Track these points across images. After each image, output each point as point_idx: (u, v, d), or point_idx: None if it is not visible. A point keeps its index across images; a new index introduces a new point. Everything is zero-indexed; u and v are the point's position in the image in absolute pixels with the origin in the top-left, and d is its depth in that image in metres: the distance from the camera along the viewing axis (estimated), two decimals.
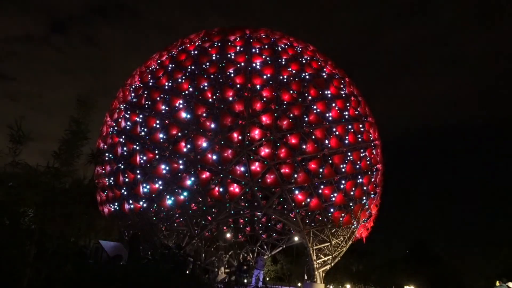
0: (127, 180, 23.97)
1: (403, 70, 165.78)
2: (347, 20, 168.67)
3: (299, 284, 42.41)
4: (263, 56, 24.57)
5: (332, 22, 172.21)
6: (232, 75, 23.73)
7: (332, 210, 24.46)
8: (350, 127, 25.14)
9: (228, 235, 29.35)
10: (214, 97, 23.31)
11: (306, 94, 24.04)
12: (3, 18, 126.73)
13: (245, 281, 22.35)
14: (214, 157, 22.32)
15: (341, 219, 24.48)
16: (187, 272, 18.59)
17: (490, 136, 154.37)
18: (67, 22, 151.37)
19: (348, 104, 25.63)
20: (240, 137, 22.35)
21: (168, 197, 23.12)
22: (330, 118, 24.36)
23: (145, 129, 24.00)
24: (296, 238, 29.37)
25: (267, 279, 44.68)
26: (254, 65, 24.12)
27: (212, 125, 22.66)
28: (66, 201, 8.30)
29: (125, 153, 24.40)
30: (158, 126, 23.58)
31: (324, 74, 26.23)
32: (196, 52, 25.69)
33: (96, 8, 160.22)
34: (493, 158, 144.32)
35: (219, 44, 25.46)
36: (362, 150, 25.66)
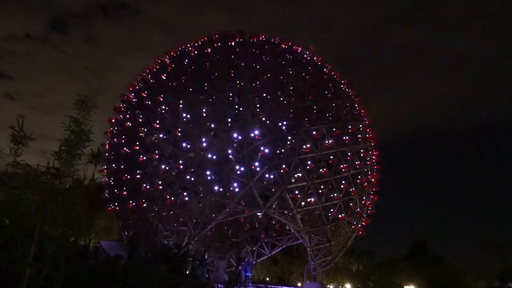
0: (129, 179, 24.04)
1: (404, 70, 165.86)
2: (349, 20, 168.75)
3: (299, 284, 42.48)
4: (263, 59, 24.70)
5: (334, 22, 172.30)
6: (232, 76, 23.84)
7: (332, 210, 24.52)
8: (347, 127, 25.21)
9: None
10: (215, 97, 23.40)
11: (305, 96, 24.13)
12: (3, 17, 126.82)
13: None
14: (214, 157, 22.36)
15: (339, 216, 24.60)
16: (187, 272, 18.62)
17: (491, 136, 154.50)
18: (68, 21, 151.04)
19: (346, 106, 25.76)
20: (240, 137, 22.41)
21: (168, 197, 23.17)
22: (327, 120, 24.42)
23: (146, 130, 24.17)
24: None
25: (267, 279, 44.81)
26: (254, 66, 24.23)
27: (213, 125, 22.71)
28: (66, 201, 8.30)
29: (126, 153, 24.48)
30: (159, 126, 23.70)
31: (322, 76, 26.40)
32: (197, 53, 25.88)
33: (96, 6, 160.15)
34: (494, 158, 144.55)
35: (220, 46, 25.66)
36: (359, 150, 25.75)
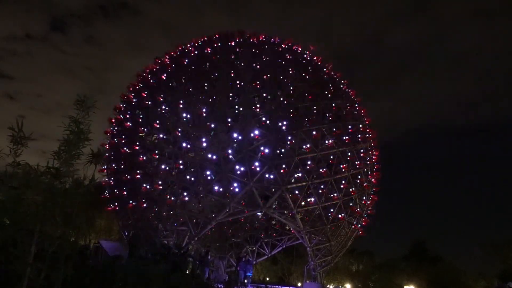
0: (129, 179, 24.05)
1: (404, 70, 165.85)
2: (349, 20, 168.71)
3: (299, 284, 42.46)
4: (263, 59, 24.70)
5: (334, 22, 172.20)
6: (232, 76, 23.86)
7: (332, 210, 24.51)
8: (347, 127, 25.22)
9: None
10: (215, 97, 23.42)
11: (305, 96, 24.14)
12: (3, 17, 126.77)
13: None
14: (214, 157, 22.37)
15: (339, 216, 24.61)
16: (187, 272, 18.63)
17: (491, 136, 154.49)
18: (68, 21, 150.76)
19: (346, 106, 25.76)
20: (240, 137, 22.42)
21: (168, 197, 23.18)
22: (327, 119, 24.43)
23: (146, 130, 24.21)
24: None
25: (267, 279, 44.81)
26: (254, 66, 24.23)
27: (213, 125, 22.72)
28: (66, 201, 8.30)
29: (126, 153, 24.50)
30: (159, 126, 23.72)
31: (322, 76, 26.42)
32: (197, 53, 25.94)
33: (96, 6, 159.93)
34: (494, 158, 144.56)
35: (220, 46, 25.72)
36: (360, 150, 25.76)
